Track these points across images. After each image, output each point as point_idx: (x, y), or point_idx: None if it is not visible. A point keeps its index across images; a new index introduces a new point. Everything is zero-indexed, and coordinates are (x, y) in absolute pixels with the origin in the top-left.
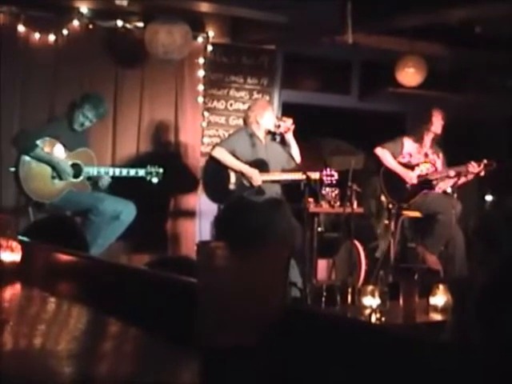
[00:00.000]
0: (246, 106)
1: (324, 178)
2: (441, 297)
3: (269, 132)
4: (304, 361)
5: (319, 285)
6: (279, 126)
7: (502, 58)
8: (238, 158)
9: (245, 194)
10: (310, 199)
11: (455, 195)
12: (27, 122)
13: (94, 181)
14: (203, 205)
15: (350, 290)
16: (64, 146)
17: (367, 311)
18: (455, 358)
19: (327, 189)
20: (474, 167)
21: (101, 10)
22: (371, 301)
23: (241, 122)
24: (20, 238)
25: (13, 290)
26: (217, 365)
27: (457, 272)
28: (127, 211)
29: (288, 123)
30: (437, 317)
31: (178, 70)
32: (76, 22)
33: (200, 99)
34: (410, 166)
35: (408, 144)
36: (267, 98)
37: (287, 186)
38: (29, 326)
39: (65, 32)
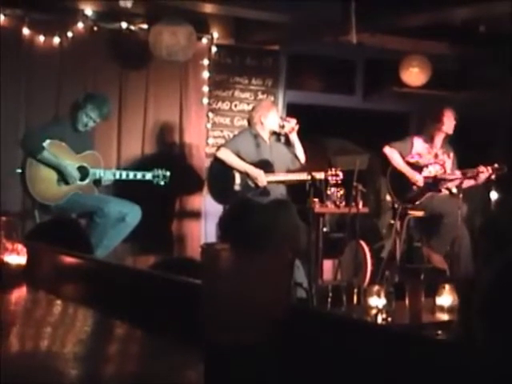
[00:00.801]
0: (250, 107)
1: (329, 177)
2: (447, 297)
3: (273, 133)
4: (309, 361)
5: (325, 285)
6: (283, 127)
7: (507, 57)
8: (242, 159)
9: (250, 194)
10: (315, 199)
11: (461, 195)
12: (32, 125)
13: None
14: (208, 206)
15: (355, 290)
16: (71, 148)
17: (373, 311)
18: (461, 358)
19: (332, 189)
20: (483, 172)
21: (105, 12)
22: (377, 301)
23: (245, 122)
24: (25, 240)
25: (19, 293)
26: (222, 366)
27: (463, 271)
28: (133, 213)
29: (292, 123)
30: (443, 317)
31: (183, 72)
32: (80, 25)
33: (205, 100)
34: (417, 167)
35: (418, 144)
36: (272, 98)
37: (292, 186)
38: (35, 329)
39: (69, 34)
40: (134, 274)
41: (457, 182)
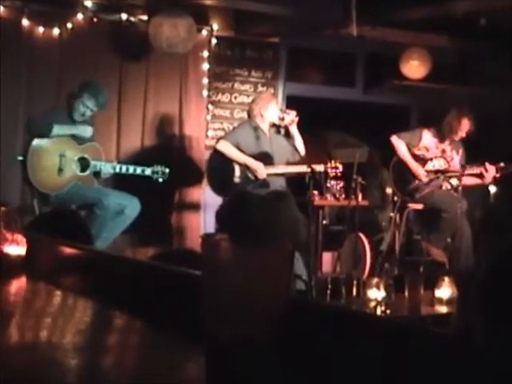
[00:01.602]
0: (250, 99)
1: (329, 170)
2: (446, 289)
3: (273, 125)
4: (309, 353)
5: (324, 277)
6: (283, 119)
7: (507, 51)
8: (242, 151)
9: (249, 187)
10: (315, 192)
11: (460, 189)
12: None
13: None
14: (208, 198)
15: (355, 282)
16: (73, 138)
17: (372, 304)
18: (458, 351)
19: (332, 181)
20: (488, 170)
21: (105, 4)
22: (376, 293)
23: (245, 115)
24: (25, 231)
25: (18, 284)
26: (222, 357)
27: (462, 264)
28: (132, 206)
29: (292, 115)
30: (442, 309)
31: (183, 64)
32: (80, 16)
33: (204, 92)
34: (423, 160)
35: (426, 137)
36: (272, 90)
37: (292, 178)
38: (34, 319)
39: (69, 26)
40: (133, 265)
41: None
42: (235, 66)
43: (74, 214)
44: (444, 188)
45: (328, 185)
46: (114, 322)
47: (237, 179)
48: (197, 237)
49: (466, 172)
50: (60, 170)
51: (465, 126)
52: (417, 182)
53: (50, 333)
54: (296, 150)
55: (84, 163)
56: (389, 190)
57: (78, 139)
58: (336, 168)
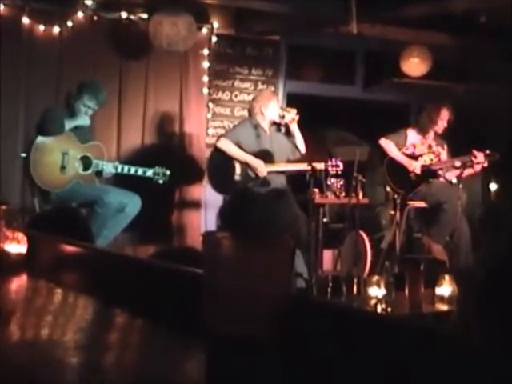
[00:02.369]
0: (250, 97)
1: (329, 168)
2: (447, 287)
3: (273, 123)
4: (309, 351)
5: (325, 275)
6: (284, 117)
7: (508, 48)
8: (242, 149)
9: (250, 184)
10: (315, 190)
11: (460, 185)
12: (32, 115)
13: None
14: (208, 196)
15: (355, 280)
16: (77, 137)
17: (373, 302)
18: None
19: (332, 179)
20: (477, 157)
21: (105, 2)
22: (377, 291)
23: (246, 113)
24: (26, 229)
25: (19, 282)
26: (223, 354)
27: (462, 262)
28: (132, 203)
29: (292, 113)
30: (443, 307)
31: (183, 62)
32: (80, 14)
33: (205, 90)
34: (413, 157)
35: (412, 135)
36: (272, 88)
37: (292, 176)
38: (35, 317)
39: (69, 24)
40: (134, 263)
41: (456, 172)
42: (235, 63)
43: (75, 211)
44: (441, 179)
45: (328, 183)
46: (114, 320)
47: (237, 177)
48: (197, 234)
49: (457, 162)
50: (62, 167)
51: (444, 115)
52: (412, 176)
53: (50, 331)
54: (296, 147)
55: (86, 162)
56: (388, 188)
57: (80, 138)
58: (336, 166)
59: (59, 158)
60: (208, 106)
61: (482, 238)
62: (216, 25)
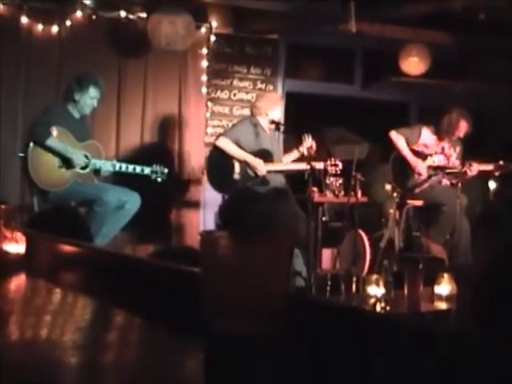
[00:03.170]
0: (249, 96)
1: (328, 168)
2: (445, 285)
3: (272, 122)
4: (308, 349)
5: (324, 274)
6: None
7: (507, 46)
8: (242, 148)
9: (249, 183)
10: (314, 189)
11: (459, 185)
12: (31, 114)
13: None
14: (207, 195)
15: (354, 279)
16: (74, 136)
17: (372, 300)
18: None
19: (331, 178)
20: (471, 171)
21: (104, 1)
22: (376, 290)
23: (245, 111)
24: (24, 229)
25: (18, 281)
26: (221, 354)
27: (461, 260)
28: (132, 202)
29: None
30: (441, 305)
31: (182, 61)
32: (79, 13)
33: (203, 89)
34: (422, 156)
35: (425, 134)
36: (271, 87)
37: (291, 175)
38: (34, 317)
39: (68, 23)
40: (133, 262)
41: (458, 175)
42: (234, 62)
43: (74, 211)
44: (443, 184)
45: (327, 181)
46: (113, 320)
47: (236, 176)
48: (196, 234)
49: (464, 169)
50: (60, 167)
51: (463, 128)
52: (416, 176)
53: (49, 330)
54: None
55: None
56: (388, 187)
57: (77, 136)
58: (336, 166)
59: (57, 157)
60: (207, 105)
61: (480, 237)
62: (215, 24)
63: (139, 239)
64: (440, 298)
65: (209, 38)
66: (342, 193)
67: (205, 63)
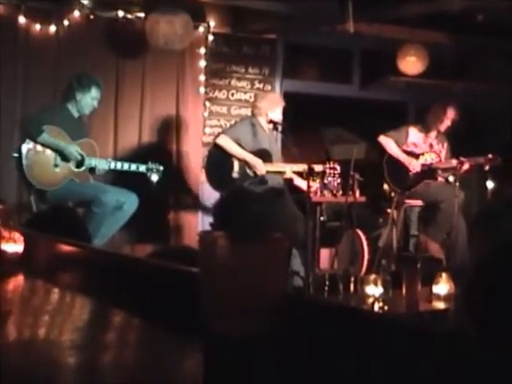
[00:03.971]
0: (247, 96)
1: (327, 170)
2: (443, 285)
3: (270, 121)
4: (306, 349)
5: (322, 274)
6: (276, 128)
7: (505, 46)
8: (241, 147)
9: (247, 183)
10: (312, 188)
11: (457, 183)
12: (29, 113)
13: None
14: (205, 195)
15: (352, 279)
16: (67, 134)
17: (370, 300)
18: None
19: (329, 178)
20: (462, 166)
21: (102, 1)
22: (374, 290)
23: (243, 111)
24: (22, 229)
25: (16, 281)
26: (220, 354)
27: (459, 260)
28: (130, 202)
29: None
30: (440, 305)
31: (179, 60)
32: (77, 13)
33: (201, 89)
34: (413, 155)
35: (413, 133)
36: (269, 87)
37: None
38: (32, 317)
39: (66, 23)
40: (131, 262)
41: (452, 171)
42: (232, 62)
43: (71, 211)
44: (439, 180)
45: (325, 181)
46: (111, 320)
47: (235, 174)
48: (194, 234)
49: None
50: (55, 165)
51: (450, 114)
52: (411, 174)
53: (47, 330)
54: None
55: (79, 159)
56: (386, 186)
57: (72, 135)
58: (334, 168)
59: (51, 156)
60: (205, 105)
61: (477, 237)
62: (212, 23)
63: (137, 239)
64: (438, 297)
65: (207, 38)
66: (340, 192)
67: (203, 63)
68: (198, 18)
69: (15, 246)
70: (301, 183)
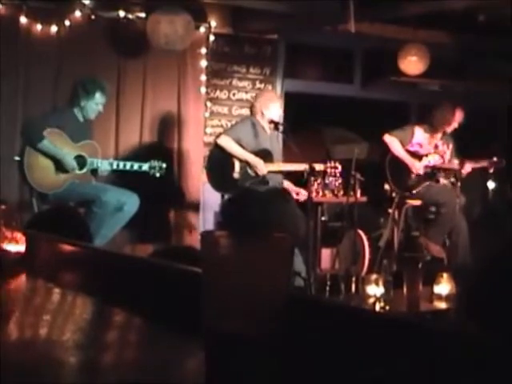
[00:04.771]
0: (248, 96)
1: (328, 170)
2: (445, 285)
3: (271, 122)
4: (308, 349)
5: (323, 274)
6: (278, 128)
7: (506, 46)
8: (242, 147)
9: (249, 183)
10: (314, 188)
11: (459, 184)
12: (30, 114)
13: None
14: (206, 195)
15: (353, 279)
16: (70, 137)
17: (371, 300)
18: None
19: (330, 178)
20: (464, 169)
21: (103, 1)
22: (375, 290)
23: (244, 111)
24: (24, 229)
25: (17, 282)
26: (222, 354)
27: (460, 260)
28: (131, 202)
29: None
30: (441, 305)
31: (181, 61)
32: (78, 13)
33: (202, 89)
34: (417, 156)
35: (418, 133)
36: (270, 87)
37: (291, 175)
38: (34, 317)
39: (67, 23)
40: (133, 262)
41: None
42: (233, 62)
43: (73, 211)
44: (441, 183)
45: (327, 181)
46: (113, 319)
47: (236, 175)
48: (196, 233)
49: (459, 167)
50: (57, 168)
51: (458, 116)
52: (413, 176)
53: (49, 330)
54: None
55: (81, 161)
56: (387, 187)
57: (73, 137)
58: (335, 167)
59: (53, 159)
60: (206, 105)
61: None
62: (214, 24)
63: (139, 239)
64: (439, 297)
65: (208, 38)
66: (342, 192)
67: (204, 63)
68: (199, 18)
69: (17, 246)
70: (290, 186)
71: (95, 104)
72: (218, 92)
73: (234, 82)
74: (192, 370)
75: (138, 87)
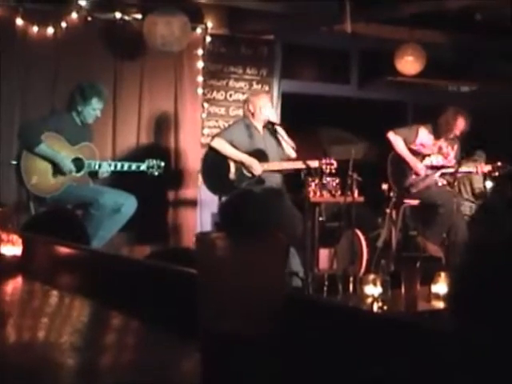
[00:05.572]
0: (245, 97)
1: (323, 166)
2: (443, 285)
3: (268, 122)
4: (306, 349)
5: (321, 274)
6: (274, 130)
7: (504, 46)
8: (236, 149)
9: (245, 184)
10: (311, 188)
11: (456, 184)
12: (28, 116)
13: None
14: (203, 196)
15: (351, 279)
16: (67, 140)
17: (369, 300)
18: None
19: (328, 178)
20: (485, 170)
21: (99, 2)
22: (373, 289)
23: (241, 112)
24: (21, 231)
25: (14, 284)
26: (218, 355)
27: (458, 259)
28: (128, 204)
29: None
30: (439, 304)
31: (177, 62)
32: (75, 15)
33: (199, 90)
34: (420, 156)
35: (423, 134)
36: (266, 88)
37: (287, 175)
38: (31, 319)
39: (63, 25)
40: (130, 264)
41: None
42: (230, 63)
43: (70, 213)
44: (440, 184)
45: (324, 181)
46: (110, 322)
47: (232, 176)
48: (193, 235)
49: (461, 169)
50: (54, 172)
51: (460, 125)
52: (414, 176)
53: (46, 333)
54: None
55: (78, 164)
56: (385, 186)
57: (71, 140)
58: (331, 164)
59: (50, 162)
60: (203, 106)
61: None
62: (210, 24)
63: (136, 240)
64: (437, 297)
65: (204, 39)
66: (339, 192)
67: (200, 64)
68: (196, 19)
69: (14, 248)
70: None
71: (92, 109)
72: (214, 93)
73: (231, 82)
74: (188, 372)
75: (135, 88)
